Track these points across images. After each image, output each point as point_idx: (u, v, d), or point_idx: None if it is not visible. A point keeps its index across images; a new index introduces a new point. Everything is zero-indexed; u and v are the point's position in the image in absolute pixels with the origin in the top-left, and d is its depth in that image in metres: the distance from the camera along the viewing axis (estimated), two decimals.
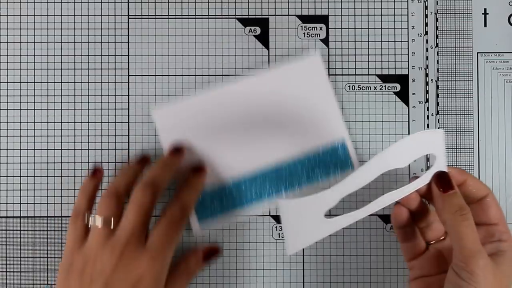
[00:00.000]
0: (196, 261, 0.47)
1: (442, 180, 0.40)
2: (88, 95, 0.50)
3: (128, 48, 0.50)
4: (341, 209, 0.46)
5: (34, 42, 0.50)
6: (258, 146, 0.49)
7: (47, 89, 0.50)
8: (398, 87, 0.51)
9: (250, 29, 0.51)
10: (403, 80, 0.51)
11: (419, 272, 0.43)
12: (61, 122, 0.50)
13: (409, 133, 0.50)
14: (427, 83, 0.51)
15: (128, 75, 0.50)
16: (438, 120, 0.51)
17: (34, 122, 0.50)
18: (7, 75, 0.50)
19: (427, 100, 0.51)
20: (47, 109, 0.50)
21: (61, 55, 0.50)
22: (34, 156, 0.50)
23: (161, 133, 0.49)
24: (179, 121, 0.49)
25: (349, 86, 0.51)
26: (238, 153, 0.48)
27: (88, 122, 0.50)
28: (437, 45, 0.51)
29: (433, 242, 0.44)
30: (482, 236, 0.41)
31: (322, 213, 0.41)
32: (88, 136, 0.50)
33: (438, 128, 0.50)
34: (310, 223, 0.41)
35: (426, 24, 0.51)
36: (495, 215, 0.41)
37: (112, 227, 0.42)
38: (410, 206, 0.42)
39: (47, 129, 0.50)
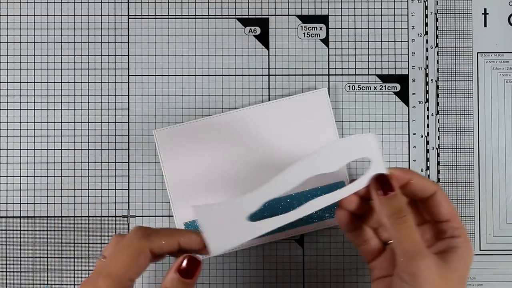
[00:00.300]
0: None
1: (380, 183, 0.39)
2: (88, 95, 0.50)
3: (128, 48, 0.50)
4: None
5: (34, 42, 0.50)
6: (256, 175, 0.48)
7: (47, 89, 0.50)
8: (398, 87, 0.51)
9: (250, 29, 0.51)
10: (403, 80, 0.51)
11: (379, 272, 0.41)
12: (61, 122, 0.50)
13: (409, 133, 0.50)
14: (427, 83, 0.51)
15: (128, 75, 0.50)
16: (438, 120, 0.51)
17: (34, 122, 0.50)
18: (7, 75, 0.50)
19: (427, 100, 0.51)
20: (47, 109, 0.50)
21: (61, 55, 0.50)
22: (34, 156, 0.50)
23: (162, 153, 0.49)
24: (180, 143, 0.48)
25: (349, 86, 0.50)
26: (235, 181, 0.48)
27: (88, 122, 0.50)
28: (437, 45, 0.51)
29: (390, 242, 0.42)
30: (434, 233, 0.40)
31: (245, 217, 0.39)
32: (88, 136, 0.50)
33: (438, 127, 0.50)
34: (233, 227, 0.39)
35: (426, 24, 0.51)
36: (446, 211, 0.39)
37: None
38: (349, 209, 0.41)
39: (47, 129, 0.50)
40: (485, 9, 0.51)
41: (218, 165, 0.48)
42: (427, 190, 0.40)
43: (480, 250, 0.50)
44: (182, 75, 0.50)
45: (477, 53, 0.51)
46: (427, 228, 0.41)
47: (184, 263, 0.37)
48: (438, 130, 0.50)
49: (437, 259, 0.37)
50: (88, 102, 0.50)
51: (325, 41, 0.51)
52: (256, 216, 0.39)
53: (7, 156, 0.50)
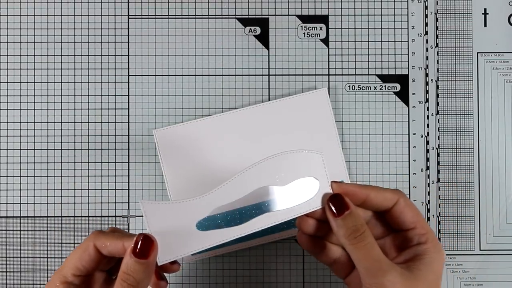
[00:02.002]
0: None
1: (334, 203, 0.38)
2: (88, 95, 0.50)
3: (128, 48, 0.50)
4: None
5: (34, 42, 0.50)
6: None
7: (47, 89, 0.50)
8: (398, 87, 0.51)
9: (250, 29, 0.51)
10: (403, 80, 0.51)
11: (356, 287, 0.40)
12: (61, 122, 0.50)
13: (409, 133, 0.50)
14: (427, 83, 0.51)
15: (128, 75, 0.50)
16: (438, 120, 0.51)
17: (34, 122, 0.50)
18: (7, 75, 0.50)
19: (427, 100, 0.51)
20: (47, 109, 0.50)
21: (61, 55, 0.50)
22: (34, 156, 0.50)
23: (161, 153, 0.49)
24: (180, 143, 0.48)
25: (349, 86, 0.50)
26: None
27: (88, 122, 0.50)
28: (437, 45, 0.51)
29: None
30: (401, 242, 0.39)
31: (194, 224, 0.38)
32: (88, 136, 0.50)
33: (438, 127, 0.50)
34: (181, 233, 0.38)
35: (426, 24, 0.51)
36: (409, 220, 0.38)
37: None
38: (309, 232, 0.40)
39: (47, 129, 0.50)
40: (485, 9, 0.51)
41: (218, 164, 0.48)
42: (387, 201, 0.38)
43: (480, 250, 0.50)
44: (182, 75, 0.50)
45: (477, 53, 0.51)
46: (393, 237, 0.40)
47: (138, 244, 0.36)
48: (438, 130, 0.50)
49: (402, 271, 0.36)
50: (88, 102, 0.50)
51: (325, 41, 0.51)
52: (208, 225, 0.39)
53: (7, 156, 0.50)
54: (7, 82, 0.50)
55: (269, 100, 0.50)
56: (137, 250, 0.36)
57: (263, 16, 0.51)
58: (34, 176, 0.50)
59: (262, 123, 0.49)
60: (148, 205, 0.38)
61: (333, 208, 0.37)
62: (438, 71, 0.51)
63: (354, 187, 0.38)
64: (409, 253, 0.38)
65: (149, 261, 0.36)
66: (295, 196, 0.40)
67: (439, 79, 0.51)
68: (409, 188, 0.50)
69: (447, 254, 0.50)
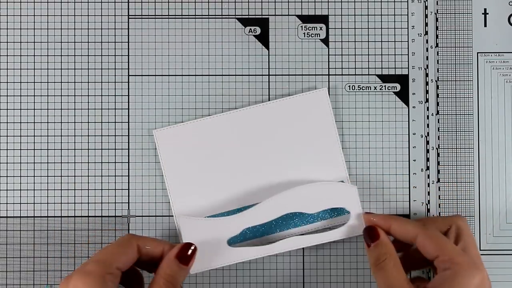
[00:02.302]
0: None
1: (366, 234, 0.43)
2: (88, 95, 0.50)
3: (128, 48, 0.50)
4: None
5: (34, 42, 0.50)
6: (256, 175, 0.48)
7: (47, 89, 0.50)
8: (398, 87, 0.51)
9: (250, 29, 0.51)
10: (403, 80, 0.51)
11: None
12: (61, 122, 0.50)
13: (409, 133, 0.50)
14: (427, 83, 0.51)
15: (128, 75, 0.50)
16: (438, 120, 0.51)
17: (34, 122, 0.50)
18: (7, 75, 0.50)
19: (427, 100, 0.51)
20: (47, 109, 0.50)
21: (61, 55, 0.50)
22: (34, 156, 0.50)
23: (162, 153, 0.48)
24: (180, 143, 0.48)
25: (349, 86, 0.50)
26: (236, 181, 0.48)
27: (88, 122, 0.50)
28: (437, 45, 0.51)
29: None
30: (435, 268, 0.41)
31: (225, 240, 0.42)
32: (88, 136, 0.50)
33: (438, 127, 0.50)
34: (213, 247, 0.42)
35: (426, 24, 0.51)
36: (431, 251, 0.41)
37: None
38: None
39: (47, 129, 0.50)
40: (485, 9, 0.51)
41: (218, 165, 0.48)
42: (407, 235, 0.42)
43: (480, 250, 0.50)
44: (182, 75, 0.50)
45: (477, 53, 0.51)
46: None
47: (183, 250, 0.41)
48: (438, 130, 0.50)
49: None
50: (88, 102, 0.50)
51: (325, 41, 0.51)
52: (238, 242, 0.43)
53: (7, 156, 0.50)
54: (7, 82, 0.50)
55: (269, 100, 0.50)
56: (182, 255, 0.41)
57: (263, 16, 0.51)
58: (34, 176, 0.50)
59: (262, 123, 0.48)
60: (183, 220, 0.42)
61: (366, 239, 0.43)
62: (438, 71, 0.51)
63: (377, 217, 0.43)
64: (438, 278, 0.40)
65: (188, 267, 0.41)
66: (325, 223, 0.43)
67: (439, 79, 0.51)
68: (409, 188, 0.50)
69: None
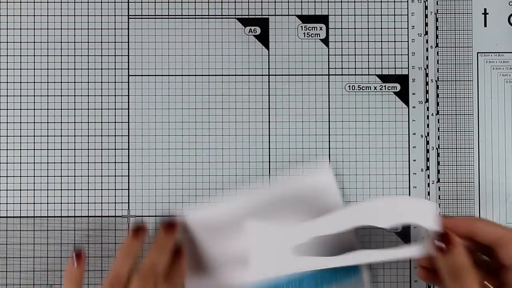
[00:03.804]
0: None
1: (439, 240, 0.39)
2: (88, 95, 0.50)
3: (128, 48, 0.50)
4: None
5: (34, 42, 0.50)
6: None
7: (47, 89, 0.50)
8: (398, 87, 0.51)
9: (250, 29, 0.51)
10: (403, 80, 0.51)
11: None
12: (61, 122, 0.50)
13: (409, 133, 0.50)
14: (427, 83, 0.51)
15: (128, 75, 0.50)
16: (438, 120, 0.51)
17: (34, 122, 0.50)
18: (7, 75, 0.50)
19: (427, 100, 0.51)
20: (47, 109, 0.50)
21: (61, 55, 0.50)
22: (34, 156, 0.50)
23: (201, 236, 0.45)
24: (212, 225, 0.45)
25: (349, 86, 0.51)
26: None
27: (88, 122, 0.50)
28: (437, 45, 0.51)
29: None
30: (508, 278, 0.39)
31: (289, 248, 0.40)
32: (88, 136, 0.50)
33: (438, 127, 0.50)
34: (277, 255, 0.40)
35: (426, 24, 0.51)
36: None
37: None
38: (426, 265, 0.42)
39: (47, 129, 0.50)
40: (485, 9, 0.51)
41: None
42: (498, 239, 0.39)
43: None
44: (182, 75, 0.50)
45: (477, 53, 0.51)
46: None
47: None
48: (438, 130, 0.50)
49: None
50: (88, 102, 0.50)
51: (325, 41, 0.51)
52: (304, 251, 0.40)
53: (7, 156, 0.50)
54: (7, 82, 0.50)
55: (269, 100, 0.50)
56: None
57: (263, 16, 0.51)
58: (34, 176, 0.50)
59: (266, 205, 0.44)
60: (249, 224, 0.40)
61: (438, 245, 0.39)
62: (438, 71, 0.51)
63: (465, 221, 0.40)
64: None
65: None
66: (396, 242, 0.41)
67: (439, 79, 0.51)
68: (409, 188, 0.50)
69: None
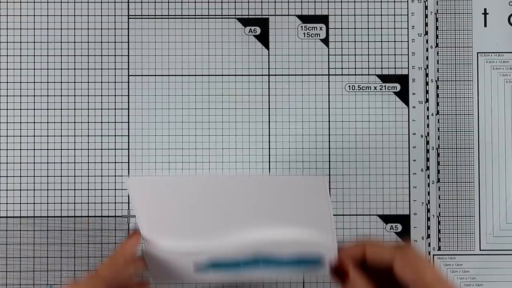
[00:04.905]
0: None
1: (336, 275, 0.40)
2: (88, 95, 0.50)
3: (128, 48, 0.50)
4: None
5: (34, 42, 0.50)
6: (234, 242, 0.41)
7: (47, 89, 0.50)
8: (398, 87, 0.51)
9: (250, 29, 0.51)
10: (403, 80, 0.51)
11: None
12: (61, 122, 0.50)
13: (409, 133, 0.50)
14: (427, 83, 0.51)
15: (128, 75, 0.50)
16: (438, 120, 0.51)
17: (34, 122, 0.50)
18: (7, 75, 0.50)
19: (427, 100, 0.51)
20: (47, 109, 0.50)
21: (61, 55, 0.50)
22: (34, 156, 0.50)
23: (135, 203, 0.41)
24: (155, 196, 0.41)
25: (349, 86, 0.50)
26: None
27: (88, 122, 0.50)
28: (437, 45, 0.51)
29: None
30: None
31: (191, 270, 0.40)
32: (88, 136, 0.50)
33: (438, 127, 0.50)
34: (179, 274, 0.40)
35: (426, 24, 0.51)
36: (408, 277, 0.37)
37: None
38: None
39: (47, 129, 0.50)
40: (485, 9, 0.51)
41: (193, 220, 0.41)
42: (383, 261, 0.38)
43: (480, 250, 0.50)
44: (182, 75, 0.50)
45: (477, 53, 0.51)
46: None
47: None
48: (438, 130, 0.50)
49: None
50: (88, 102, 0.50)
51: (325, 41, 0.51)
52: (202, 270, 0.40)
53: (7, 156, 0.50)
54: (7, 82, 0.50)
55: (269, 99, 0.50)
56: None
57: (263, 16, 0.51)
58: (34, 176, 0.50)
59: (252, 195, 0.40)
60: (148, 255, 0.40)
61: (338, 279, 0.40)
62: (438, 71, 0.51)
63: (352, 249, 0.40)
64: None
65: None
66: (298, 266, 0.41)
67: (439, 79, 0.51)
68: (409, 188, 0.50)
69: (447, 254, 0.50)
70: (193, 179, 0.42)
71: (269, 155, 0.50)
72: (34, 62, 0.50)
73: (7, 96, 0.50)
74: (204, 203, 0.40)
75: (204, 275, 0.40)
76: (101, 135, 0.50)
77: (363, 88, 0.51)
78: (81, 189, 0.50)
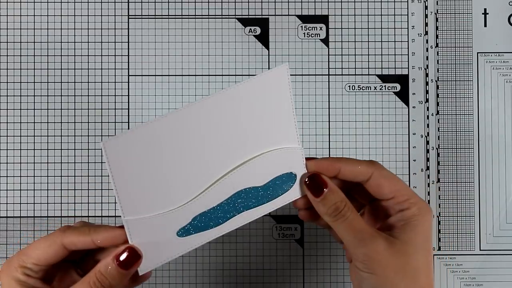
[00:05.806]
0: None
1: (311, 185, 0.38)
2: (88, 95, 0.50)
3: (128, 48, 0.51)
4: None
5: (34, 42, 0.50)
6: (214, 166, 0.40)
7: (47, 89, 0.50)
8: (398, 87, 0.51)
9: (250, 29, 0.51)
10: (403, 80, 0.51)
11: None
12: (61, 122, 0.50)
13: (409, 133, 0.50)
14: (427, 83, 0.51)
15: (128, 75, 0.50)
16: (438, 120, 0.51)
17: (34, 122, 0.50)
18: (7, 75, 0.50)
19: (427, 100, 0.51)
20: (47, 109, 0.50)
21: (61, 55, 0.50)
22: (34, 156, 0.50)
23: (113, 168, 0.39)
24: (133, 156, 0.39)
25: (349, 86, 0.51)
26: (190, 174, 0.40)
27: (88, 122, 0.50)
28: (437, 45, 0.51)
29: None
30: (385, 210, 0.39)
31: (174, 232, 0.39)
32: (88, 136, 0.50)
33: (438, 127, 0.50)
34: (162, 242, 0.38)
35: (426, 24, 0.51)
36: (387, 191, 0.38)
37: None
38: (303, 207, 0.40)
39: (47, 129, 0.50)
40: (485, 9, 0.51)
41: (178, 170, 0.40)
42: (360, 175, 0.39)
43: (480, 250, 0.50)
44: (182, 75, 0.50)
45: (477, 53, 0.51)
46: (378, 206, 0.40)
47: (125, 254, 0.36)
48: (438, 130, 0.51)
49: (387, 237, 0.37)
50: (88, 102, 0.50)
51: (325, 41, 0.51)
52: (188, 231, 0.39)
53: (7, 156, 0.50)
54: (7, 82, 0.50)
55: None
56: (122, 260, 0.36)
57: (263, 16, 0.51)
58: (34, 176, 0.50)
59: (216, 115, 0.40)
60: (131, 221, 0.37)
61: (312, 190, 0.38)
62: (438, 71, 0.51)
63: (324, 161, 0.39)
64: (394, 220, 0.38)
65: (129, 272, 0.36)
66: (275, 191, 0.40)
67: (439, 79, 0.51)
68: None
69: (447, 255, 0.50)
70: (161, 121, 0.39)
71: None
72: (34, 62, 0.50)
73: (7, 96, 0.50)
74: (178, 148, 0.39)
75: (187, 239, 0.39)
76: (101, 135, 0.50)
77: (363, 88, 0.51)
78: (81, 189, 0.50)
